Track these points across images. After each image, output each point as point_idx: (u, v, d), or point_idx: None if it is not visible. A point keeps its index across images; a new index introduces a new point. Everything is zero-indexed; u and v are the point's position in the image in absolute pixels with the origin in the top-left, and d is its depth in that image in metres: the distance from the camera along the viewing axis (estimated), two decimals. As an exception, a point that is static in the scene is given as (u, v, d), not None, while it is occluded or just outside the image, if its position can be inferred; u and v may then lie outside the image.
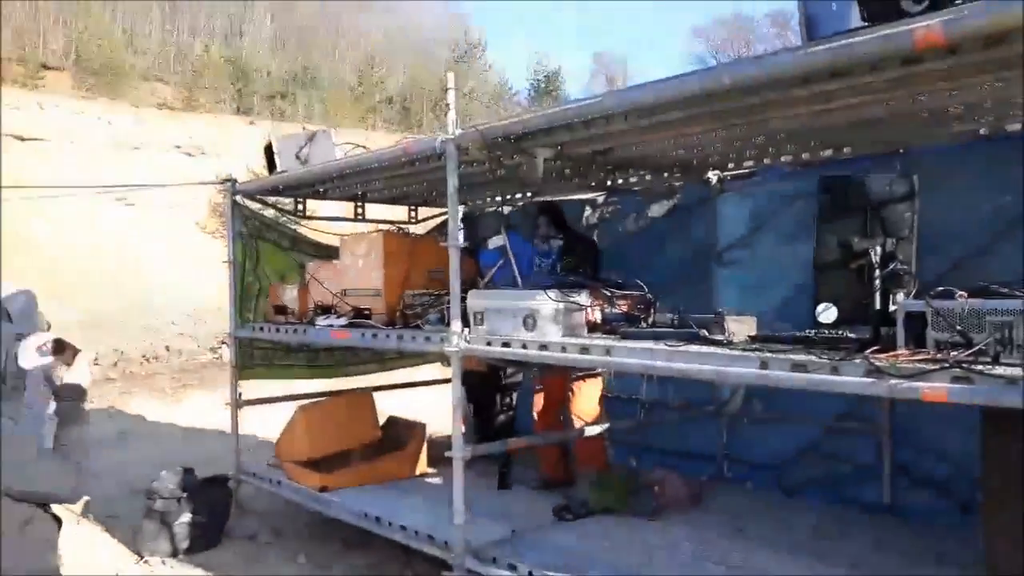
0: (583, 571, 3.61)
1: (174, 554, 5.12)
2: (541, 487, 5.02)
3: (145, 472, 5.94)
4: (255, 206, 6.19)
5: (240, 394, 5.77)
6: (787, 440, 4.97)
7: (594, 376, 4.92)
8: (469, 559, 3.90)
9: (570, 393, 4.92)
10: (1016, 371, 2.27)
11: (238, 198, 5.87)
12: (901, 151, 4.35)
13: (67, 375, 2.54)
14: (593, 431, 4.80)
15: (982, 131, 3.91)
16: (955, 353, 2.43)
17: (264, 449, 6.85)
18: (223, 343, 18.61)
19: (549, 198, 5.51)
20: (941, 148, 4.16)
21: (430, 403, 7.10)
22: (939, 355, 2.47)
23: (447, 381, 6.87)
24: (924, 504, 4.25)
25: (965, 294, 2.55)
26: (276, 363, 6.19)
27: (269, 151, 5.47)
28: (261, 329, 5.69)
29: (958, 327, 2.47)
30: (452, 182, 3.97)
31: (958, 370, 2.33)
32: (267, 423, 6.96)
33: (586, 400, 4.89)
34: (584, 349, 3.45)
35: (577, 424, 4.87)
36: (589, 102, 3.58)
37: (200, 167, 24.06)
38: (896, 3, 2.53)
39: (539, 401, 5.10)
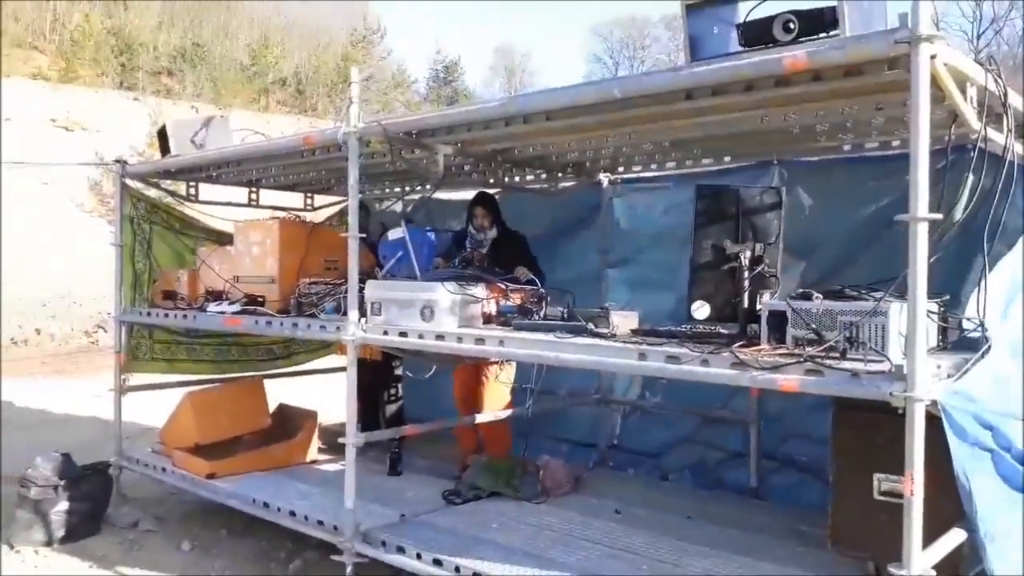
0: (469, 551, 3.76)
1: (48, 543, 4.96)
2: (460, 471, 5.05)
3: (15, 460, 5.70)
4: (146, 189, 6.05)
5: (125, 379, 5.63)
6: (667, 430, 5.29)
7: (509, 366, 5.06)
8: (358, 543, 3.99)
9: (483, 380, 5.06)
10: (859, 365, 2.57)
11: (127, 180, 5.71)
12: (776, 161, 4.72)
13: None
14: (484, 418, 4.97)
15: (846, 147, 4.31)
16: (809, 349, 2.72)
17: (147, 437, 6.69)
18: (99, 327, 17.83)
19: (449, 193, 5.65)
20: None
21: (321, 392, 7.12)
22: (796, 350, 2.75)
23: (338, 370, 6.97)
24: (788, 486, 4.63)
25: (821, 296, 2.84)
26: (179, 358, 6.06)
27: (163, 134, 5.37)
28: (148, 314, 5.57)
29: (813, 325, 2.76)
30: (353, 174, 4.04)
31: (810, 364, 2.61)
32: (150, 411, 6.80)
33: (499, 389, 5.05)
34: (479, 340, 3.60)
35: (487, 412, 5.02)
36: (490, 105, 3.76)
37: (78, 143, 22.87)
38: (770, 32, 2.81)
39: (458, 389, 5.21)
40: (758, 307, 3.16)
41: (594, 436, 5.58)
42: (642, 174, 5.41)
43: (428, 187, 5.73)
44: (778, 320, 2.89)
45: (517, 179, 5.66)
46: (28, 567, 4.68)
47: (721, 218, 3.29)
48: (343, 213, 6.81)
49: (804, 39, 2.76)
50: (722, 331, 3.27)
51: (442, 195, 6.54)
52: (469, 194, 6.40)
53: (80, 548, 4.95)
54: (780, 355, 2.73)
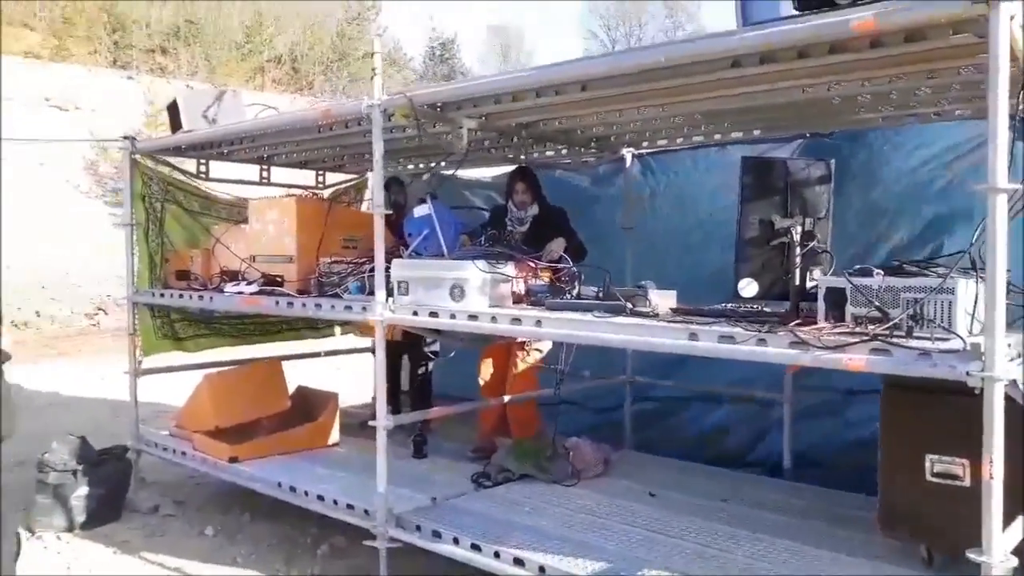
0: (505, 536, 3.68)
1: (70, 529, 4.88)
2: (477, 456, 4.96)
3: (26, 444, 5.57)
4: (171, 172, 5.90)
5: (140, 362, 5.52)
6: (696, 411, 5.20)
7: (536, 347, 4.94)
8: (392, 528, 3.91)
9: (513, 366, 4.95)
10: (928, 343, 2.47)
11: (137, 157, 5.56)
12: (807, 135, 4.59)
13: None
14: (514, 400, 4.88)
15: (882, 119, 4.18)
16: (872, 327, 2.61)
17: (159, 419, 6.59)
18: (100, 309, 17.69)
19: (465, 169, 5.50)
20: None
21: (328, 373, 7.03)
22: (858, 328, 2.65)
23: (356, 351, 6.87)
24: (821, 470, 4.55)
25: (882, 272, 2.73)
26: (201, 334, 5.93)
27: (173, 109, 5.21)
28: (162, 295, 5.44)
29: (876, 303, 2.65)
30: (378, 148, 3.90)
31: (877, 342, 2.51)
32: (158, 392, 6.69)
33: (525, 371, 4.93)
34: (515, 320, 3.49)
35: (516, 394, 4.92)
36: (524, 75, 3.60)
37: (73, 122, 22.57)
38: (828, -6, 2.67)
39: (485, 371, 5.10)
40: (809, 284, 3.07)
41: (621, 417, 5.47)
42: (667, 148, 5.27)
43: (444, 163, 5.59)
44: (836, 297, 2.78)
45: (536, 155, 5.53)
46: (51, 553, 4.61)
47: (768, 192, 3.16)
48: (358, 189, 6.71)
49: (864, 3, 2.64)
50: (766, 310, 3.18)
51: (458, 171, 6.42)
52: (486, 171, 6.27)
53: (101, 534, 4.89)
54: (842, 334, 2.62)
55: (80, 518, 4.90)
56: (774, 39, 2.77)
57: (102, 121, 22.34)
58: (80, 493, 4.91)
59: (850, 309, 2.72)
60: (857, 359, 2.50)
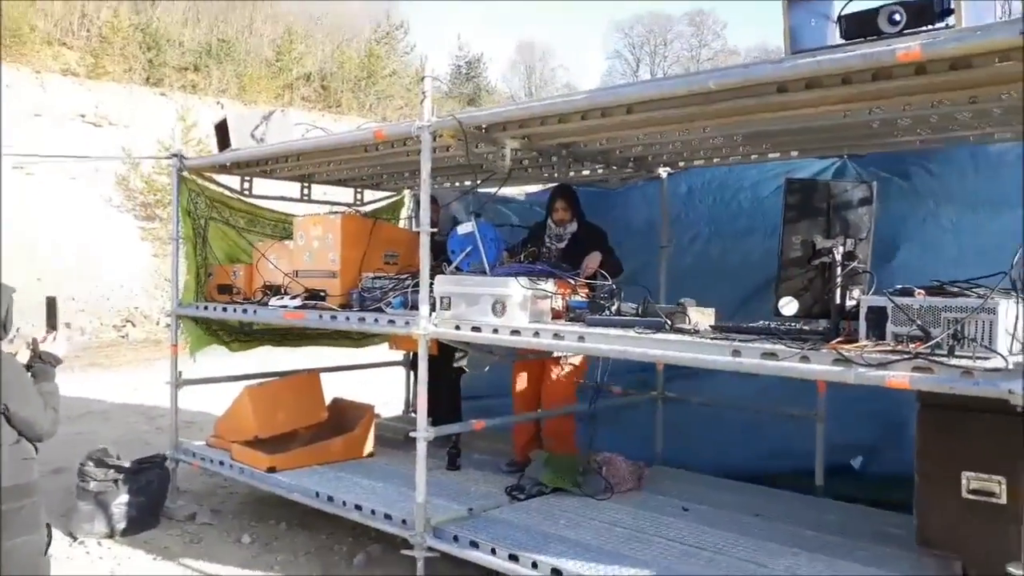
0: (543, 547, 3.74)
1: (111, 535, 4.99)
2: (511, 469, 5.04)
3: (65, 451, 5.70)
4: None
5: (180, 373, 5.64)
6: (727, 427, 5.25)
7: (571, 362, 5.02)
8: (430, 537, 3.98)
9: (547, 377, 5.02)
10: (969, 362, 2.52)
11: (185, 173, 5.71)
12: (844, 156, 4.67)
13: (48, 345, 3.22)
14: (551, 415, 4.95)
15: (919, 143, 4.25)
16: (913, 345, 2.67)
17: (188, 429, 6.70)
18: (128, 321, 17.98)
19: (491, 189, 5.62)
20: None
21: (358, 386, 7.12)
22: (899, 347, 2.70)
23: (386, 364, 6.98)
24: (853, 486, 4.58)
25: (923, 292, 2.79)
26: (242, 339, 6.09)
27: (222, 128, 5.37)
28: (205, 308, 5.57)
29: (918, 322, 2.71)
30: (426, 168, 4.02)
31: (920, 360, 2.57)
32: (188, 403, 6.79)
33: (561, 385, 5.01)
34: (557, 335, 3.58)
35: (551, 408, 4.98)
36: (576, 98, 3.67)
37: (106, 138, 23.03)
38: (873, 24, 2.76)
39: (519, 385, 5.17)
40: (848, 303, 3.13)
41: (652, 432, 5.51)
42: (702, 167, 5.37)
43: (482, 182, 5.71)
44: (877, 316, 2.84)
45: (572, 173, 5.63)
46: (94, 558, 4.71)
47: (811, 213, 3.23)
48: (394, 208, 6.84)
49: (909, 31, 2.72)
50: (805, 328, 3.24)
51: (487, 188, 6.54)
52: (520, 189, 6.38)
53: (141, 540, 4.99)
54: (885, 352, 2.68)
55: (120, 525, 5.01)
56: (823, 67, 2.85)
57: (135, 137, 22.82)
58: (120, 501, 5.02)
59: (891, 328, 2.78)
60: (899, 377, 2.56)
